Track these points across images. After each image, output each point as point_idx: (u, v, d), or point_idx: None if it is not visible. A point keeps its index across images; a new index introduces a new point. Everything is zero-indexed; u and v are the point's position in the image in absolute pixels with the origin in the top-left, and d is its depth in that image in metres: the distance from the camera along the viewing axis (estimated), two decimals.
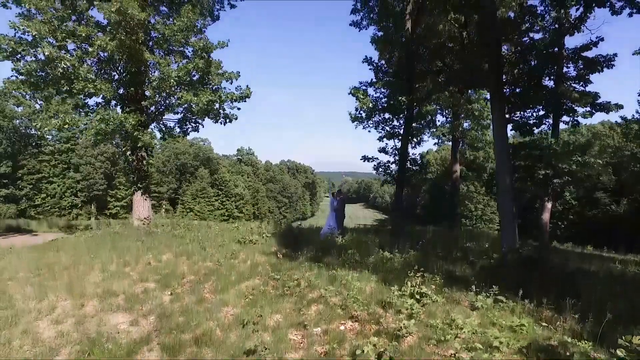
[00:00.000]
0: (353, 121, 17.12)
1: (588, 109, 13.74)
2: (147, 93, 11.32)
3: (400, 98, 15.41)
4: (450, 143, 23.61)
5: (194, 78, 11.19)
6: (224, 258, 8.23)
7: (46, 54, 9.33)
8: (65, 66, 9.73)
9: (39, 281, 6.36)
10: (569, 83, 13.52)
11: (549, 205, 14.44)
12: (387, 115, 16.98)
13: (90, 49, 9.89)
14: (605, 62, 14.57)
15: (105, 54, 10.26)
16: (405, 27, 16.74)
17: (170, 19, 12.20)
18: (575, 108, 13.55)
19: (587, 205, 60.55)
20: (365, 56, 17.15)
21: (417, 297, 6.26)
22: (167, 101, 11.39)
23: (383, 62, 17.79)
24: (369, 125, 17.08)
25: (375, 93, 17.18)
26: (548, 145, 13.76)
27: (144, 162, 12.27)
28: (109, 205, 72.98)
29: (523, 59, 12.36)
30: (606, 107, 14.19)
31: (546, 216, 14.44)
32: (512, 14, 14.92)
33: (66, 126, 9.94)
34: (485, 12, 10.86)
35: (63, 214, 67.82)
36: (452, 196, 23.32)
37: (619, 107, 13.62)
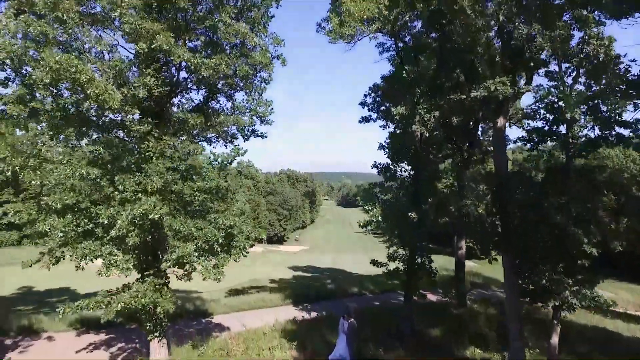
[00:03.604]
0: (362, 227, 17.41)
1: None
2: (164, 258, 11.51)
3: (409, 214, 15.62)
4: None
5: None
6: None
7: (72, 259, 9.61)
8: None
9: None
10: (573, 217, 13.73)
11: (558, 328, 14.73)
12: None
13: (112, 232, 10.07)
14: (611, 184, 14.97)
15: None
16: (415, 137, 16.86)
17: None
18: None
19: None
20: (375, 162, 17.39)
21: None
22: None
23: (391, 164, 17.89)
24: (378, 232, 17.33)
25: (385, 196, 17.41)
26: (556, 279, 14.03)
27: (158, 309, 12.44)
28: None
29: (532, 230, 12.64)
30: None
31: (555, 340, 14.74)
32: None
33: (91, 308, 10.20)
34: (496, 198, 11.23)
35: None
36: (458, 271, 23.55)
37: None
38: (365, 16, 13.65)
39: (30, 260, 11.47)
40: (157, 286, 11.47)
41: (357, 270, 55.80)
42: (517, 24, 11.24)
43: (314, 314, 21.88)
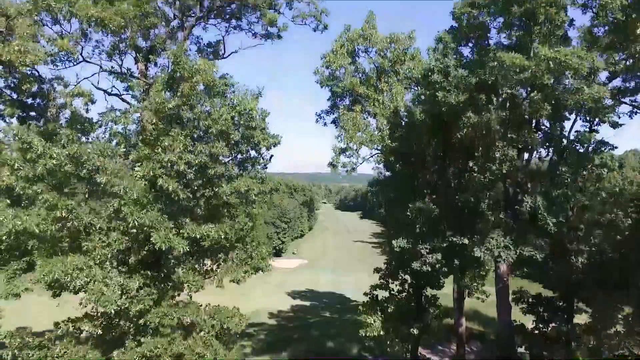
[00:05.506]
0: (365, 335, 17.39)
1: None
2: None
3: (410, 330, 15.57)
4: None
5: None
6: None
7: None
8: None
9: None
10: None
11: None
12: None
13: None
14: None
15: None
16: None
17: None
18: None
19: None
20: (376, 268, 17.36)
21: None
22: None
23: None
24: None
25: (389, 307, 17.38)
26: None
27: None
28: None
29: None
30: None
31: None
32: None
33: None
34: None
35: None
36: (459, 340, 23.60)
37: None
38: (368, 146, 13.50)
39: None
40: None
41: (357, 296, 55.94)
42: (523, 196, 11.09)
43: None
